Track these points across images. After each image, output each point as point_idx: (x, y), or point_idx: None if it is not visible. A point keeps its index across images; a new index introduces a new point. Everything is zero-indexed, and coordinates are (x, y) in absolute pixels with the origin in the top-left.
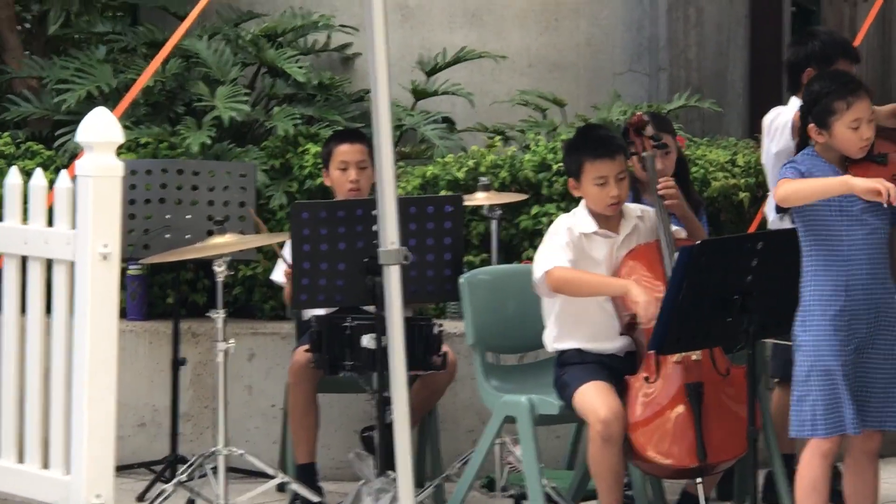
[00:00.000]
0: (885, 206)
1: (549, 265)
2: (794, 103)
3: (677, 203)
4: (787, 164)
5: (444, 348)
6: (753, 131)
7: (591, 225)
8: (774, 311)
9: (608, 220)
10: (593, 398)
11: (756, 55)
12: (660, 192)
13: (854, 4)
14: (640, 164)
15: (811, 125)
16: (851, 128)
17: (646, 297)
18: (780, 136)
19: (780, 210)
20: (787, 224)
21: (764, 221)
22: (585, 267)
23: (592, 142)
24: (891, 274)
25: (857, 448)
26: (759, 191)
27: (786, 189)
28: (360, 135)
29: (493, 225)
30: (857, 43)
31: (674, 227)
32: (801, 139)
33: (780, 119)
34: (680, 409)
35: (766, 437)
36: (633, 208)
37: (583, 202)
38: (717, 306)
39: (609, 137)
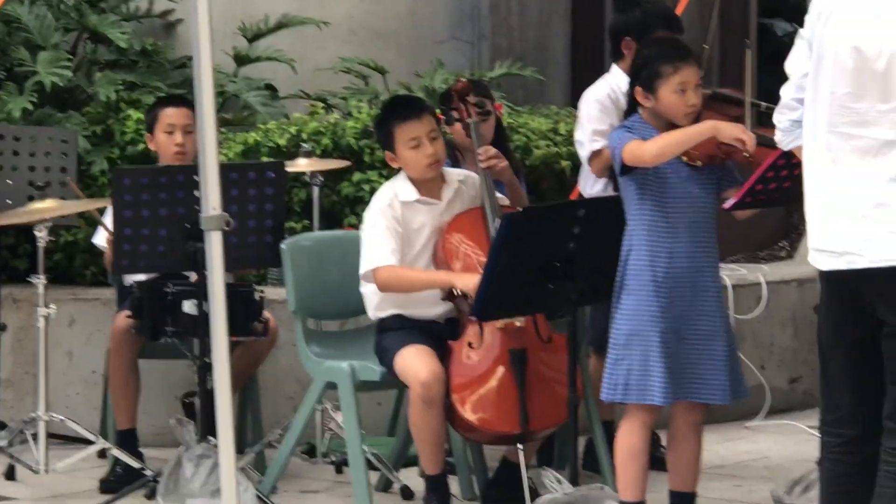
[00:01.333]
0: (745, 154)
1: (373, 264)
2: (615, 71)
3: (503, 167)
4: (619, 128)
5: (266, 315)
6: (575, 100)
7: (412, 193)
8: (596, 279)
9: (430, 187)
10: (414, 361)
11: (578, 24)
12: (483, 164)
13: None
14: (464, 130)
15: (638, 88)
16: (678, 91)
17: (474, 285)
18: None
19: (626, 171)
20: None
21: None
22: (412, 237)
23: (398, 107)
24: (715, 244)
25: (680, 418)
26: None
27: (653, 146)
28: (187, 99)
29: (315, 192)
30: (678, 12)
31: (497, 195)
32: (629, 105)
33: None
34: (502, 375)
35: (586, 404)
36: (454, 173)
37: (402, 173)
38: (540, 273)
39: (413, 99)
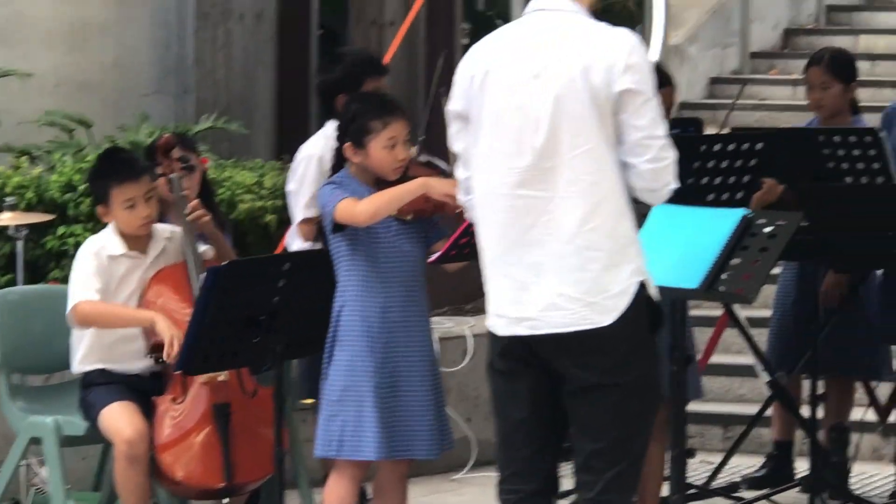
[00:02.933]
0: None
1: (76, 299)
2: (330, 128)
3: (206, 221)
4: (327, 185)
5: None
6: (280, 153)
7: (119, 247)
8: (302, 332)
9: (137, 241)
10: (118, 418)
11: (283, 77)
12: (189, 217)
13: (381, 27)
14: (167, 185)
15: (348, 144)
16: (388, 146)
17: (171, 331)
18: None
19: (337, 229)
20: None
21: None
22: (116, 290)
23: (116, 166)
24: (425, 298)
25: (387, 470)
26: (286, 212)
27: (367, 206)
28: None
29: (19, 245)
30: (386, 60)
31: (203, 247)
32: (336, 160)
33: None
34: (207, 429)
35: (293, 457)
36: (162, 229)
37: (111, 225)
38: (244, 327)
39: (132, 160)
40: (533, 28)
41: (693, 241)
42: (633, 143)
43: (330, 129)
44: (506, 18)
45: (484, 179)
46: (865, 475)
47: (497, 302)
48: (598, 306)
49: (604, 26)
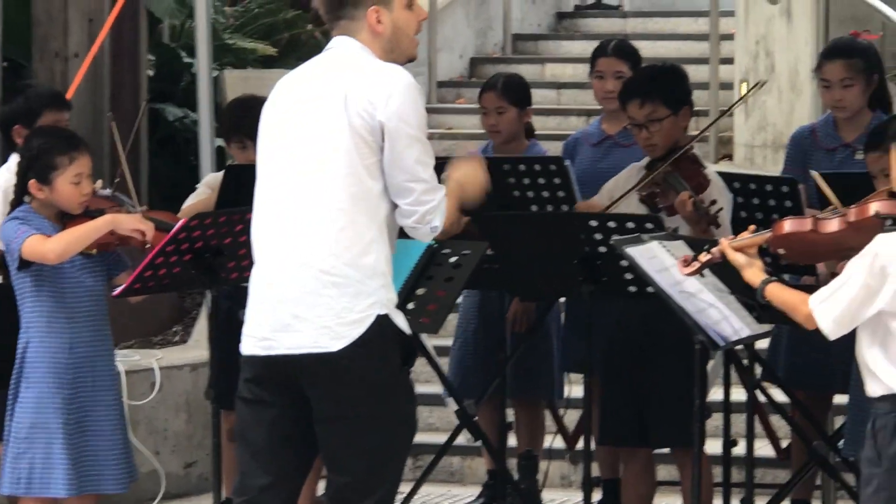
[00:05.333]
0: (145, 245)
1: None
2: (13, 161)
3: None
4: (10, 220)
5: None
6: None
7: None
8: None
9: None
10: None
11: None
12: None
13: (65, 59)
14: None
15: (32, 181)
16: (73, 182)
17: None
18: None
19: (23, 265)
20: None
21: None
22: None
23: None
24: (109, 331)
25: None
26: None
27: (57, 244)
28: None
29: None
30: (69, 96)
31: None
32: (17, 196)
33: None
34: None
35: None
36: None
37: None
38: None
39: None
40: (316, 62)
41: None
42: (397, 186)
43: (13, 162)
44: (190, 51)
45: (255, 201)
46: (554, 502)
47: (247, 320)
48: (331, 331)
49: (381, 64)
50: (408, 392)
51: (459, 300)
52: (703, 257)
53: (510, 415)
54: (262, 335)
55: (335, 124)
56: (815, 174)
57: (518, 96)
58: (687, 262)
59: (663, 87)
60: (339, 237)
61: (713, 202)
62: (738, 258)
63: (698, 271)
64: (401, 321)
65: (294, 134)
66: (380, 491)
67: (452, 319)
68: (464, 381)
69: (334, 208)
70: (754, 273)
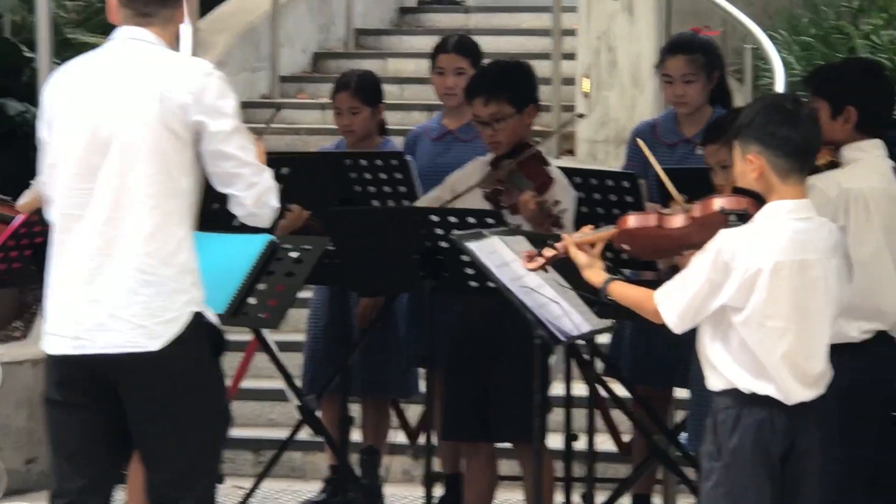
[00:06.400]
0: None
1: None
2: None
3: None
4: None
5: None
6: None
7: None
8: None
9: None
10: None
11: None
12: None
13: None
14: None
15: None
16: None
17: None
18: None
19: None
20: None
21: None
22: None
23: None
24: None
25: None
26: None
27: None
28: None
29: None
30: None
31: None
32: None
33: None
34: None
35: None
36: None
37: None
38: None
39: None
40: (113, 55)
41: (219, 266)
42: (224, 175)
43: None
44: (31, 46)
45: (55, 200)
46: (397, 497)
47: (52, 319)
48: (147, 330)
49: (182, 56)
50: (221, 385)
51: (310, 295)
52: (548, 253)
53: (354, 409)
54: (74, 334)
55: (146, 120)
56: (641, 143)
57: (371, 95)
58: (531, 258)
59: (508, 85)
60: (154, 235)
61: (557, 202)
62: (579, 257)
63: (542, 267)
64: (211, 316)
65: (101, 131)
66: (200, 485)
67: (298, 314)
68: (315, 375)
69: (147, 206)
70: (595, 273)
